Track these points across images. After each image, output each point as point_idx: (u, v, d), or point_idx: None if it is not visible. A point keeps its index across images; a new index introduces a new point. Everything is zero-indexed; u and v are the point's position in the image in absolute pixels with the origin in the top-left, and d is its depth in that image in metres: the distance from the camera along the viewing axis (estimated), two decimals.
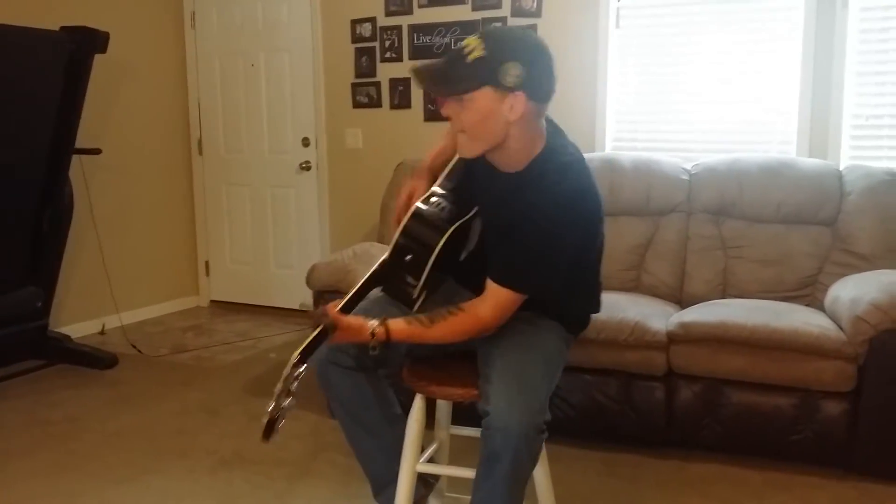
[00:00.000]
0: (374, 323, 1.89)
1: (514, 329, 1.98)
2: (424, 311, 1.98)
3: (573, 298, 2.10)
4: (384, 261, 2.05)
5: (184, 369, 4.08)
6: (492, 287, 1.90)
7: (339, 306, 1.91)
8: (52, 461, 2.98)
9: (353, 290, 1.98)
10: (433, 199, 2.09)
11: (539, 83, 1.84)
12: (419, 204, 2.07)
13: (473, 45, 1.80)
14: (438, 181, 2.18)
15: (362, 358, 2.04)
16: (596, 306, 2.21)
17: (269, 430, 1.74)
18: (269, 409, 1.74)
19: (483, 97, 1.81)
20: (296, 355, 1.78)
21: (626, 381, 2.96)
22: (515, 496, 1.88)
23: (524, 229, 1.86)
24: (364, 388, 2.09)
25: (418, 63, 1.92)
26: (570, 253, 1.91)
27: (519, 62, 1.79)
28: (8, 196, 3.74)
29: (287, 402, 1.75)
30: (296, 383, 1.76)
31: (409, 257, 2.00)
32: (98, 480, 2.83)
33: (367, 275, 2.04)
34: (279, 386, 1.75)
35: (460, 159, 2.18)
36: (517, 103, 1.82)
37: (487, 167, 1.99)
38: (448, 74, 1.84)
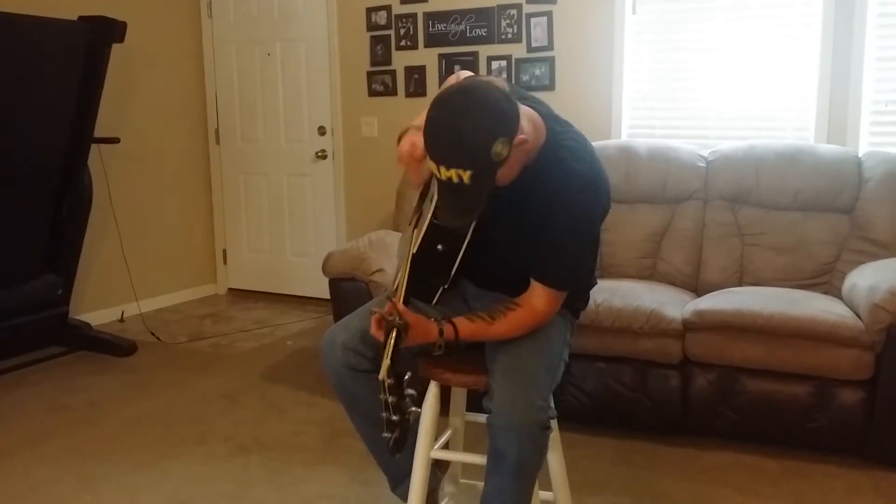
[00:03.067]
0: (440, 321, 1.87)
1: None
2: (478, 309, 1.95)
3: (584, 276, 2.12)
4: (413, 254, 1.97)
5: (202, 356, 4.12)
6: (540, 287, 1.90)
7: (400, 302, 1.83)
8: (71, 447, 3.03)
9: (402, 288, 1.89)
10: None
11: (514, 110, 1.71)
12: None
13: (457, 174, 1.66)
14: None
15: (379, 360, 2.02)
16: (594, 279, 2.23)
17: (400, 445, 1.67)
18: (388, 436, 1.66)
19: (500, 174, 1.73)
20: (384, 374, 1.67)
21: (641, 368, 2.96)
22: (523, 492, 1.87)
23: (556, 223, 1.84)
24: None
25: (440, 220, 1.84)
26: (597, 231, 1.96)
27: (494, 139, 1.65)
28: (28, 185, 3.79)
29: (408, 414, 1.67)
30: (406, 396, 1.66)
31: (440, 247, 1.97)
32: (116, 466, 2.86)
33: (406, 268, 1.94)
34: (385, 414, 1.66)
35: None
36: (520, 146, 1.74)
37: None
38: (466, 205, 1.73)
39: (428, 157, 1.71)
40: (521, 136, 1.71)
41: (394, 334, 1.72)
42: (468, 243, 1.99)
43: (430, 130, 1.70)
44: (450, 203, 1.73)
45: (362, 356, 2.00)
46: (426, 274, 2.00)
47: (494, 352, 1.94)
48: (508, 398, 1.80)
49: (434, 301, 2.07)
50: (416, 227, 2.13)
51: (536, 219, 1.87)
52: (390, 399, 1.65)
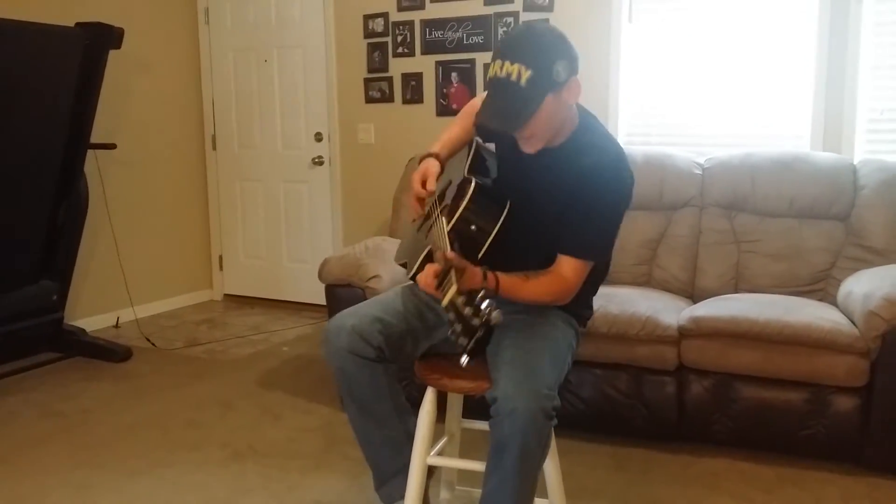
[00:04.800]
0: (485, 270, 1.86)
1: (524, 322, 2.00)
2: None
3: (607, 252, 2.12)
4: (448, 231, 2.00)
5: (197, 362, 4.11)
6: (568, 259, 1.98)
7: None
8: (65, 453, 3.01)
9: (446, 240, 1.94)
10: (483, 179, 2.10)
11: (575, 60, 1.91)
12: (480, 179, 2.09)
13: (517, 70, 1.82)
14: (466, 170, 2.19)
15: (384, 349, 2.05)
16: (596, 290, 2.25)
17: (475, 353, 1.61)
18: (466, 342, 1.60)
19: (547, 104, 1.86)
20: (452, 296, 1.63)
21: (636, 375, 2.96)
22: (525, 488, 1.86)
23: (588, 197, 1.94)
24: (379, 378, 2.09)
25: (478, 120, 1.91)
26: (622, 213, 2.00)
27: (559, 57, 1.85)
28: (24, 191, 3.78)
29: (488, 317, 1.59)
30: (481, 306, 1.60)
31: (473, 227, 2.00)
32: (111, 473, 2.86)
33: (446, 230, 1.98)
34: (460, 326, 1.61)
35: (478, 150, 2.21)
36: (573, 88, 1.90)
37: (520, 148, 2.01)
38: (513, 109, 1.85)
39: (494, 57, 1.87)
40: (576, 79, 1.88)
41: (452, 274, 1.71)
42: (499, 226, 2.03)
43: (508, 33, 1.92)
44: (498, 103, 1.85)
45: (368, 344, 2.03)
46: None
47: (501, 348, 1.94)
48: (513, 383, 1.81)
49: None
50: (440, 214, 2.13)
51: (569, 193, 1.96)
52: (466, 311, 1.61)
